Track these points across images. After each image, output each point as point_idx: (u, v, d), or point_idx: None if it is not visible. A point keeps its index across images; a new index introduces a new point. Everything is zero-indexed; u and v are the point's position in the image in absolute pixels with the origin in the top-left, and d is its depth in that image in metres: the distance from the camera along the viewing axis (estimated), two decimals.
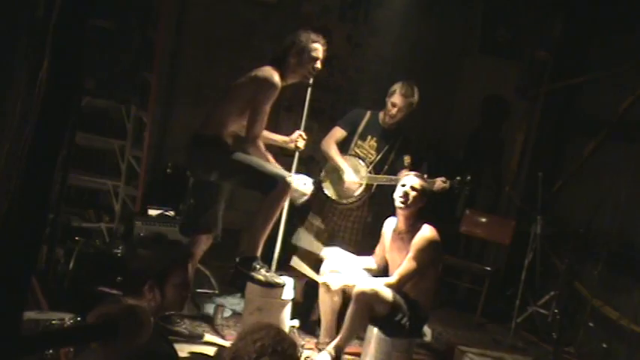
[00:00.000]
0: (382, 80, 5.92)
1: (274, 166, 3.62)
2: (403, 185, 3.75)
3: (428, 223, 3.73)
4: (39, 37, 1.09)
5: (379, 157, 4.43)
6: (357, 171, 4.40)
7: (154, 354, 2.04)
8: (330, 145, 4.43)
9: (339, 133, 4.47)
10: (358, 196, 4.41)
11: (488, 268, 5.29)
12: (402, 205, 3.71)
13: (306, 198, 3.77)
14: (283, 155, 4.13)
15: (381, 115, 4.46)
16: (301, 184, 3.68)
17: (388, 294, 3.54)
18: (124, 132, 5.09)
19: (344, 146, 4.48)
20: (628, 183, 4.98)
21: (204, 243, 3.87)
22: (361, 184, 4.38)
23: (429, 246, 3.63)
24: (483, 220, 5.71)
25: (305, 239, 4.10)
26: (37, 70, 1.05)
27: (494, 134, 6.33)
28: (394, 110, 4.34)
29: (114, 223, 5.04)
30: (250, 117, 3.59)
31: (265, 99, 3.57)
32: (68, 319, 2.85)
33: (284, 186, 3.54)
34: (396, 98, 4.34)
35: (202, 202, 3.87)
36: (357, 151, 4.45)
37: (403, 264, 3.62)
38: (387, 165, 4.44)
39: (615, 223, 4.98)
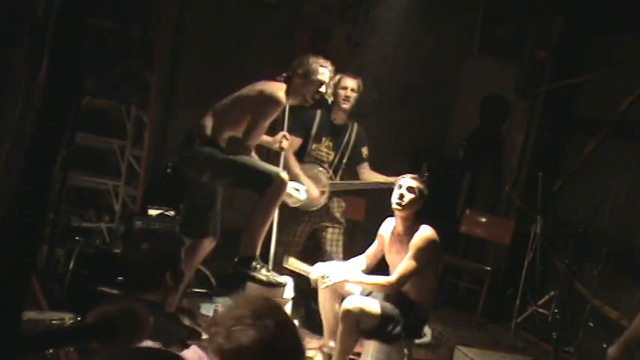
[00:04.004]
0: (382, 80, 5.94)
1: (268, 165, 3.63)
2: (400, 187, 3.75)
3: (426, 224, 3.73)
4: (39, 37, 1.09)
5: (337, 156, 4.45)
6: (317, 180, 4.38)
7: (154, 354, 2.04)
8: (289, 157, 4.33)
9: (295, 142, 4.38)
10: (323, 202, 4.40)
11: (488, 268, 5.29)
12: (398, 207, 3.71)
13: (300, 204, 3.94)
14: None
15: (331, 112, 4.45)
16: (294, 191, 3.80)
17: (375, 307, 3.54)
18: (124, 132, 5.10)
19: (301, 151, 4.44)
20: (628, 183, 4.98)
21: (207, 247, 3.86)
22: (324, 192, 4.37)
23: (428, 245, 3.64)
24: (483, 219, 5.70)
25: (294, 263, 4.10)
26: (37, 70, 1.05)
27: (494, 134, 6.33)
28: (347, 91, 4.34)
29: (114, 223, 5.04)
30: (247, 128, 3.59)
31: (267, 114, 3.59)
32: (68, 319, 2.85)
33: (279, 182, 3.54)
34: (345, 82, 4.36)
35: (199, 206, 3.86)
36: (315, 154, 4.44)
37: (402, 263, 3.62)
38: (345, 160, 4.47)
39: (615, 223, 4.98)
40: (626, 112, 5.12)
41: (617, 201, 5.00)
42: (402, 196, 3.70)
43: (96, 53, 4.51)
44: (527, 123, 5.99)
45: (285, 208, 4.33)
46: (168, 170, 5.10)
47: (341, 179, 4.50)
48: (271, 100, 3.56)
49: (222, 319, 1.65)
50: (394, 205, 3.73)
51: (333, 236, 4.47)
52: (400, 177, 3.84)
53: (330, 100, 4.03)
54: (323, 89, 3.78)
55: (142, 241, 2.49)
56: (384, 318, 3.55)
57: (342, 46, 5.89)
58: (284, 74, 3.73)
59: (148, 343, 1.70)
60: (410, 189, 3.70)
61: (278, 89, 3.60)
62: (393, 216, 3.85)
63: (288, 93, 3.64)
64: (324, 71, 3.75)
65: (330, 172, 4.44)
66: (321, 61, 3.77)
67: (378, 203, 4.44)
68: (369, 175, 4.51)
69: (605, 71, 5.37)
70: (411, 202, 3.69)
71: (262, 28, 5.59)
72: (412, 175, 3.82)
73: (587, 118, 5.64)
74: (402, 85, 5.99)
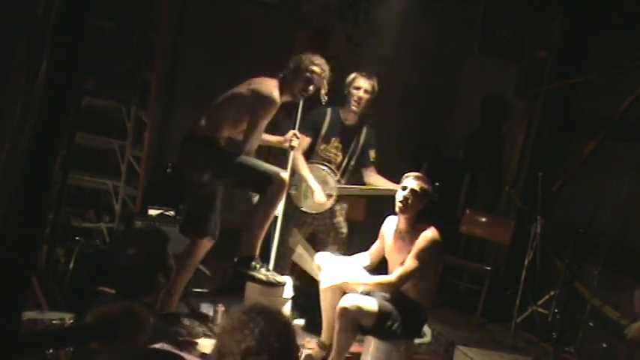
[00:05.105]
0: (382, 80, 5.93)
1: (268, 165, 3.63)
2: (404, 188, 3.74)
3: (430, 224, 3.73)
4: (39, 37, 1.09)
5: (346, 158, 4.36)
6: (325, 183, 4.30)
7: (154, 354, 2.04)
8: (298, 157, 4.26)
9: (304, 141, 4.29)
10: (329, 206, 4.34)
11: (488, 268, 5.29)
12: (400, 210, 3.71)
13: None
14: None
15: (342, 112, 4.35)
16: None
17: (372, 305, 3.54)
18: (124, 132, 5.09)
19: (309, 151, 4.36)
20: (628, 183, 4.98)
21: (206, 246, 3.86)
22: (331, 196, 4.30)
23: (432, 247, 3.63)
24: (483, 219, 5.70)
25: (302, 257, 4.08)
26: (37, 70, 1.05)
27: (493, 134, 6.33)
28: (360, 93, 4.22)
29: (114, 223, 5.04)
30: (247, 130, 3.59)
31: (264, 115, 3.58)
32: (68, 319, 2.86)
33: (279, 183, 3.54)
34: (359, 82, 4.25)
35: (199, 205, 3.85)
36: (322, 155, 4.35)
37: (405, 263, 3.62)
38: (353, 163, 4.37)
39: (615, 223, 4.98)
40: (626, 112, 5.12)
41: (617, 201, 5.00)
42: (406, 198, 3.70)
43: (96, 53, 4.52)
44: (527, 123, 6.00)
45: (288, 209, 4.32)
46: (169, 170, 5.10)
47: (347, 181, 4.40)
48: (266, 100, 3.55)
49: (227, 351, 1.65)
50: (398, 206, 3.73)
51: (336, 240, 4.42)
52: (404, 177, 3.82)
53: (323, 100, 3.94)
54: (311, 88, 3.73)
55: (127, 246, 2.46)
56: (382, 315, 3.55)
57: (342, 46, 5.89)
58: (281, 74, 3.71)
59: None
60: (413, 192, 3.70)
61: (272, 88, 3.59)
62: (395, 214, 3.84)
63: (281, 90, 3.63)
64: (315, 69, 3.71)
65: (338, 175, 4.33)
66: (316, 59, 3.73)
67: (377, 202, 4.42)
68: (375, 180, 4.40)
69: (605, 71, 5.37)
70: (413, 203, 3.70)
71: (262, 28, 5.58)
72: (415, 175, 3.80)
73: (587, 119, 5.64)
74: (402, 85, 5.99)
